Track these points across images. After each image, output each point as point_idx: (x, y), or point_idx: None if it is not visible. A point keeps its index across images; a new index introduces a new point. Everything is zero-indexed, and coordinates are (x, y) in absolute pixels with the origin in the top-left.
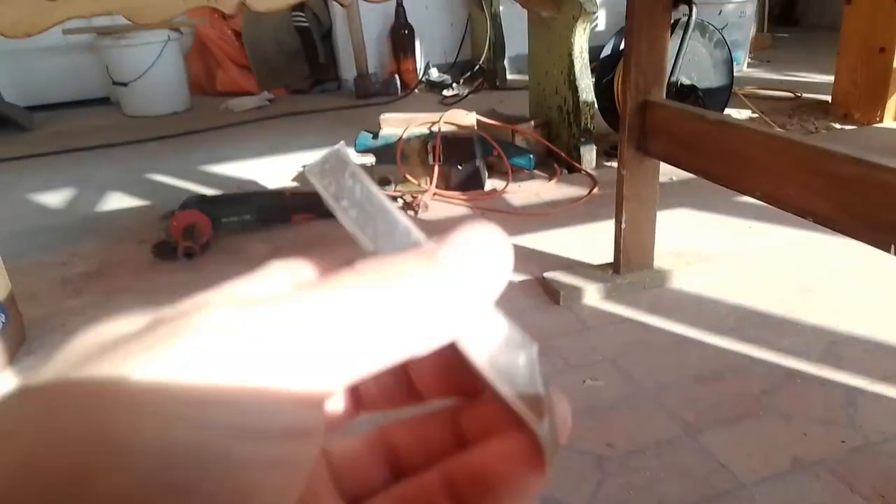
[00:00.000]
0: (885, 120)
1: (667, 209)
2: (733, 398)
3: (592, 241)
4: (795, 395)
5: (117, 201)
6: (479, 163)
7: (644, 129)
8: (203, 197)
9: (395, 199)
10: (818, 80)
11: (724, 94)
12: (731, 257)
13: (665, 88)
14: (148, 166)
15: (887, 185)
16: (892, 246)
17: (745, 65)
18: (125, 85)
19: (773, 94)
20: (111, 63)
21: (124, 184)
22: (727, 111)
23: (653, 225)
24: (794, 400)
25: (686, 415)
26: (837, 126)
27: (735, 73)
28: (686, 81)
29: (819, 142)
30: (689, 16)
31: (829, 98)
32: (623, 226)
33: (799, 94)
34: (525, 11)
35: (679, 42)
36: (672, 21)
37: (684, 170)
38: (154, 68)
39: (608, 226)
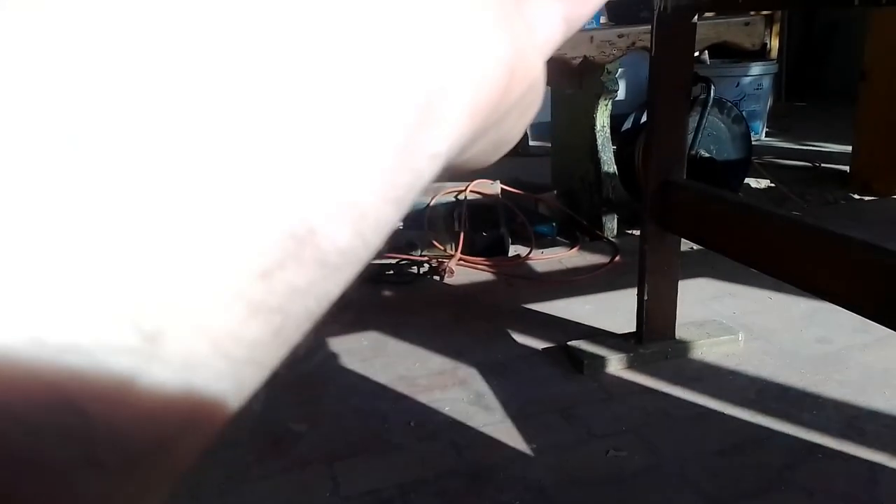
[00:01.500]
0: None
1: (688, 278)
2: (755, 472)
3: (615, 309)
4: (817, 469)
5: None
6: (503, 230)
7: (666, 206)
8: None
9: (421, 264)
10: (836, 149)
11: (742, 167)
12: (751, 328)
13: (685, 166)
14: None
15: None
16: None
17: (764, 134)
18: None
19: (792, 163)
20: None
21: None
22: (747, 181)
23: (674, 297)
24: (815, 475)
25: (709, 488)
26: (856, 197)
27: (753, 143)
28: (705, 154)
29: (838, 228)
30: (708, 93)
31: (847, 168)
32: (646, 297)
33: (818, 164)
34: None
35: (698, 118)
36: (691, 98)
37: (705, 247)
38: None
39: (630, 294)
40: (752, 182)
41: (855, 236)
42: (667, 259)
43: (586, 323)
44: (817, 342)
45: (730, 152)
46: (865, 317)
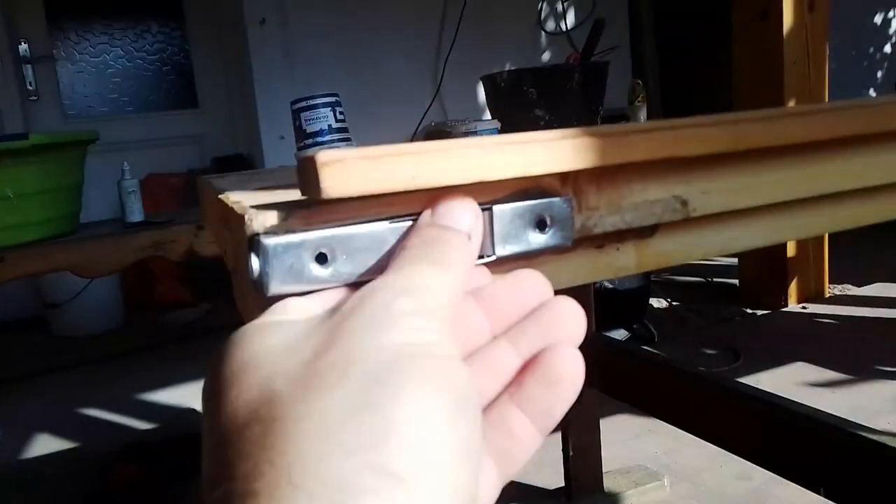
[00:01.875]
0: (789, 304)
1: (607, 416)
2: None
3: (542, 460)
4: None
5: (45, 444)
6: None
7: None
8: (142, 443)
9: None
10: (726, 262)
11: (644, 293)
12: (674, 469)
13: (594, 316)
14: (80, 397)
15: (807, 430)
16: (822, 489)
17: None
18: (58, 306)
19: (687, 279)
20: (45, 284)
21: (53, 421)
22: (650, 301)
23: (598, 448)
24: None
25: None
26: (749, 311)
27: None
28: (609, 286)
29: (741, 386)
30: None
31: (736, 282)
32: (571, 453)
33: (710, 280)
34: None
35: None
36: None
37: (617, 400)
38: (89, 289)
39: (555, 439)
40: (655, 302)
41: (745, 389)
42: (586, 412)
43: (516, 479)
44: (738, 479)
45: (630, 281)
46: (761, 466)
